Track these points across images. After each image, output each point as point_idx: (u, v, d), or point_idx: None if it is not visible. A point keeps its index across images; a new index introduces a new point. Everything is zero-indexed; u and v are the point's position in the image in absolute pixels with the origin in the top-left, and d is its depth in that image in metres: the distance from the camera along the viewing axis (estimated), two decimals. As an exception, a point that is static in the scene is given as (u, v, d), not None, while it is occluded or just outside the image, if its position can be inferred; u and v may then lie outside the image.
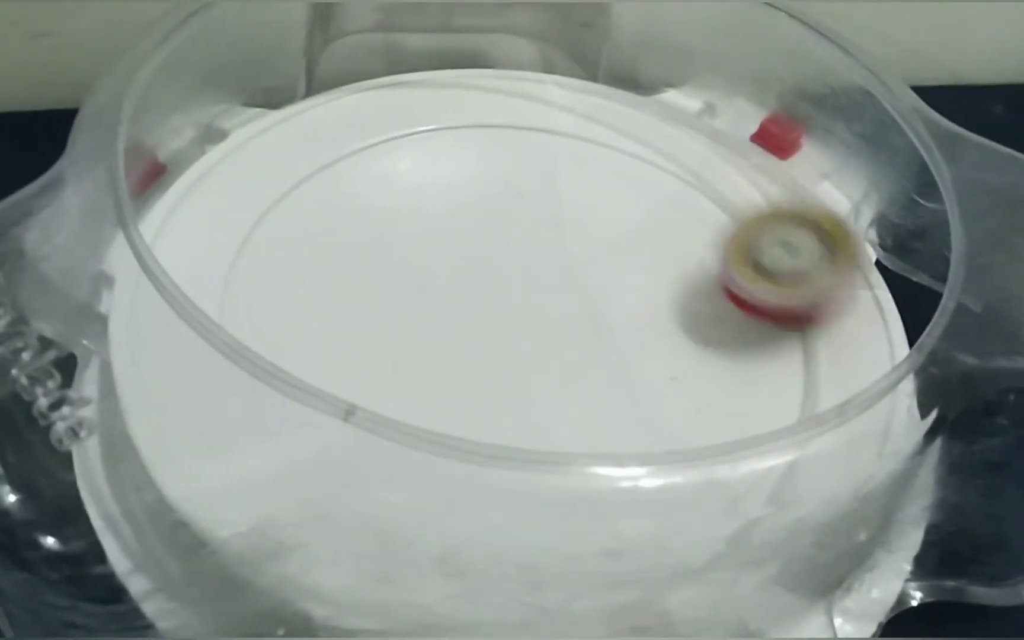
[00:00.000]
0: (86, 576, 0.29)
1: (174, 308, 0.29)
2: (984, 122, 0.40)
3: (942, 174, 0.37)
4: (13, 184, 0.34)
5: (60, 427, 0.30)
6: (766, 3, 0.44)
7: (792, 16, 0.43)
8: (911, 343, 0.36)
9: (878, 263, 0.41)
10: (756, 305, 0.37)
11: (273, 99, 0.44)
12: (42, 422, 0.30)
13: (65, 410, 0.30)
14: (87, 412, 0.31)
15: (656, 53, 0.47)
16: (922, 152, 0.38)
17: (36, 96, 0.49)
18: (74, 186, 0.34)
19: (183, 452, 0.30)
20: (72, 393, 0.31)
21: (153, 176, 0.40)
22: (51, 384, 0.30)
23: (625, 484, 0.28)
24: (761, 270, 0.37)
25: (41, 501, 0.30)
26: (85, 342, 0.33)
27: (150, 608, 0.29)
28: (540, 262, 0.40)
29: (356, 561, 0.28)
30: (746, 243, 0.37)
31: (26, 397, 0.30)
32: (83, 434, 0.30)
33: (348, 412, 0.27)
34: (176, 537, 0.29)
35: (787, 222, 0.38)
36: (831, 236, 0.37)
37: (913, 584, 0.32)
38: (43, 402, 0.30)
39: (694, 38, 0.46)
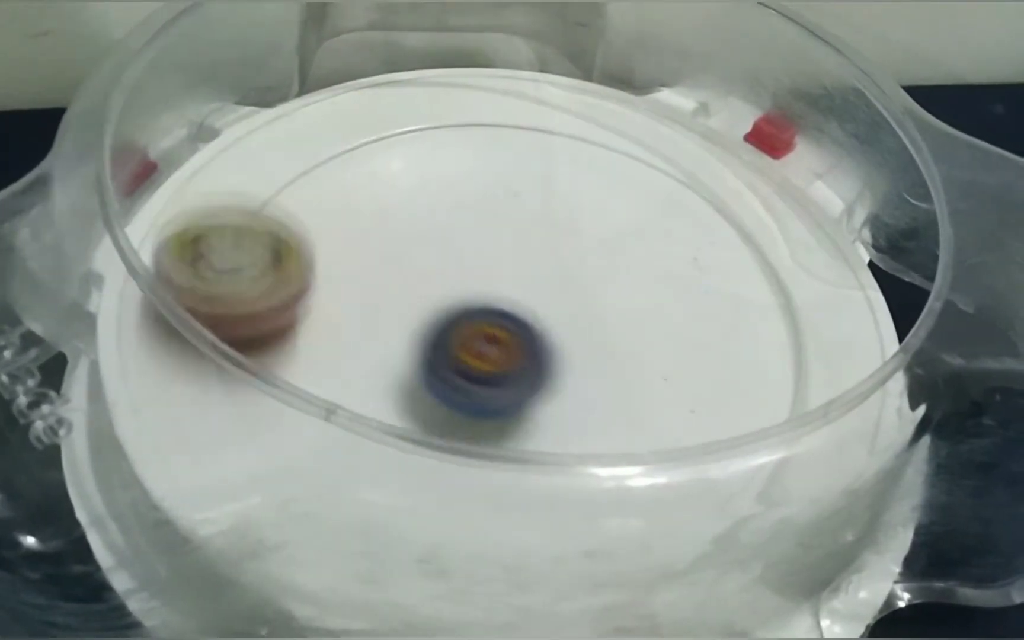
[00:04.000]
0: (66, 575, 0.29)
1: (159, 308, 0.29)
2: (983, 122, 0.40)
3: (932, 174, 0.37)
4: (11, 183, 0.34)
5: (39, 426, 0.30)
6: (760, 3, 0.44)
7: (786, 16, 0.43)
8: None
9: (871, 263, 0.41)
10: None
11: (266, 98, 0.44)
12: (22, 421, 0.30)
13: (44, 409, 0.30)
14: (66, 411, 0.31)
15: (651, 52, 0.47)
16: (912, 152, 0.38)
17: (35, 95, 0.49)
18: (62, 185, 0.34)
19: (168, 450, 0.30)
20: (52, 392, 0.31)
21: (144, 175, 0.40)
22: (31, 382, 0.30)
23: (613, 484, 0.28)
24: (206, 270, 0.32)
25: (20, 500, 0.30)
26: (74, 341, 0.33)
27: (135, 605, 0.29)
28: (533, 261, 0.40)
29: (339, 561, 0.28)
30: (190, 238, 0.33)
31: (6, 395, 0.30)
32: (62, 433, 0.30)
33: (329, 412, 0.27)
34: (160, 535, 0.29)
35: (238, 223, 0.34)
36: (283, 247, 0.34)
37: (901, 585, 0.32)
38: (23, 400, 0.30)
39: (689, 38, 0.46)
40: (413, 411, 0.33)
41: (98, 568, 0.30)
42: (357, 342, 0.36)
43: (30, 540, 0.29)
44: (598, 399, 0.36)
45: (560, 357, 0.33)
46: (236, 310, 0.32)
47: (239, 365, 0.28)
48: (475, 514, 0.28)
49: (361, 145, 0.43)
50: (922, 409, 0.32)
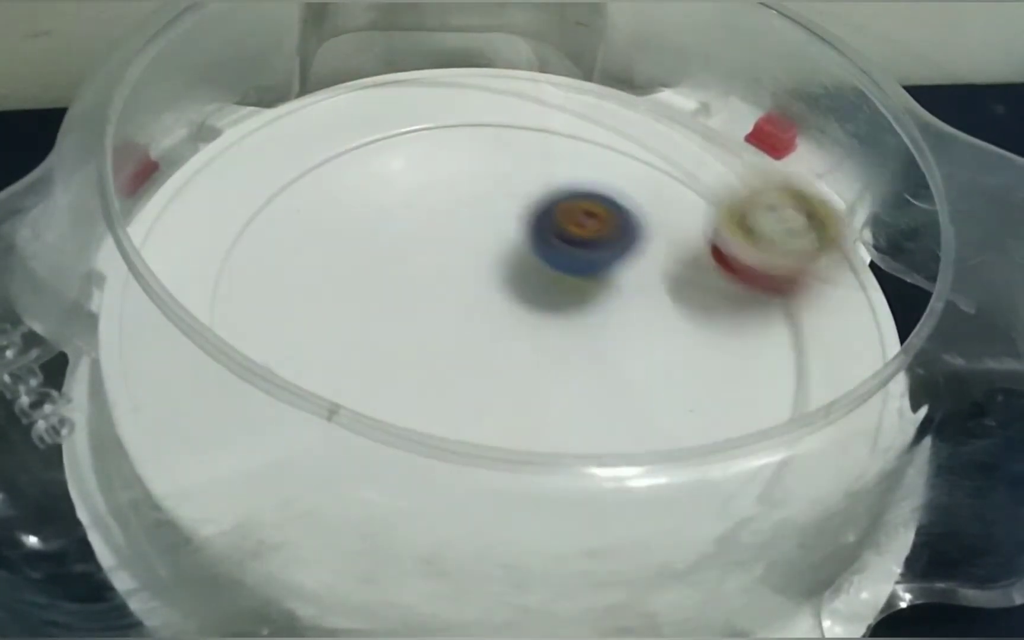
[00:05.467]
0: (67, 574, 0.29)
1: (161, 308, 0.29)
2: (984, 122, 0.40)
3: (933, 175, 0.37)
4: (11, 183, 0.34)
5: (41, 425, 0.30)
6: (761, 3, 0.44)
7: (787, 16, 0.43)
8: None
9: (872, 264, 0.41)
10: (738, 266, 0.38)
11: (267, 98, 0.44)
12: (24, 420, 0.30)
13: (47, 408, 0.30)
14: (68, 410, 0.31)
15: (651, 53, 0.47)
16: (914, 153, 0.38)
17: (35, 95, 0.49)
18: (63, 185, 0.34)
19: (169, 450, 0.30)
20: (54, 391, 0.31)
21: (145, 174, 0.40)
22: (33, 382, 0.30)
23: (613, 484, 0.28)
24: (749, 233, 0.37)
25: (22, 499, 0.30)
26: (75, 341, 0.33)
27: (136, 605, 0.29)
28: (533, 261, 0.40)
29: (340, 561, 0.28)
30: (739, 209, 0.38)
31: (8, 395, 0.30)
32: (64, 432, 0.30)
33: (331, 411, 0.27)
34: (161, 534, 0.29)
35: (779, 195, 0.38)
36: (819, 215, 0.38)
37: (902, 586, 0.32)
38: (25, 400, 0.30)
39: (689, 38, 0.46)
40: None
41: (99, 568, 0.30)
42: (357, 341, 0.36)
43: (32, 540, 0.29)
44: (598, 399, 0.36)
45: (645, 230, 0.38)
46: (789, 267, 0.38)
47: (240, 364, 0.28)
48: (476, 514, 0.28)
49: (361, 145, 0.43)
50: (923, 410, 0.32)
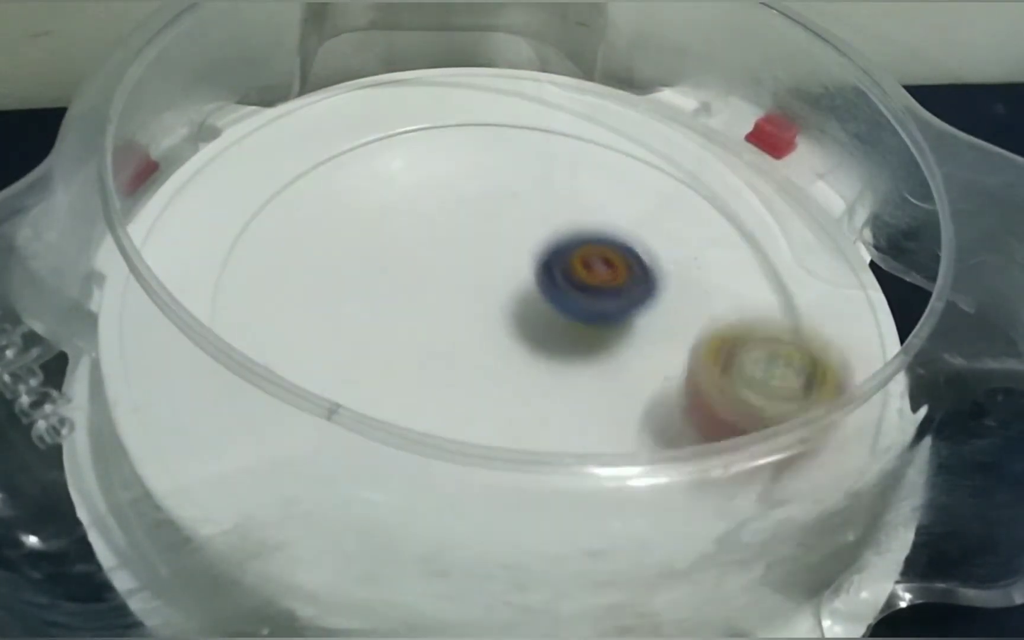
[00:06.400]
0: (68, 574, 0.29)
1: (161, 308, 0.29)
2: (984, 122, 0.40)
3: (934, 174, 0.37)
4: (11, 182, 0.34)
5: (41, 425, 0.30)
6: (761, 3, 0.44)
7: (787, 16, 0.43)
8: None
9: (872, 264, 0.41)
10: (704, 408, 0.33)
11: (267, 97, 0.44)
12: (24, 420, 0.30)
13: (47, 408, 0.30)
14: (69, 410, 0.31)
15: (652, 52, 0.47)
16: (914, 152, 0.38)
17: (35, 95, 0.49)
18: (63, 184, 0.34)
19: (169, 449, 0.30)
20: (54, 391, 0.31)
21: (145, 174, 0.40)
22: (34, 382, 0.30)
23: (613, 484, 0.28)
24: (737, 377, 0.33)
25: (23, 499, 0.30)
26: (75, 340, 0.33)
27: (136, 605, 0.29)
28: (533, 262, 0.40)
29: (340, 560, 0.28)
30: (724, 346, 0.34)
31: (8, 395, 0.30)
32: (65, 432, 0.30)
33: (331, 411, 0.27)
34: (161, 534, 0.29)
35: (770, 336, 0.34)
36: (818, 362, 0.33)
37: (903, 585, 0.32)
38: (25, 400, 0.30)
39: (690, 37, 0.46)
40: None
41: (99, 568, 0.30)
42: (357, 341, 0.36)
43: (32, 539, 0.29)
44: (598, 399, 0.36)
45: (660, 279, 0.37)
46: (752, 421, 0.31)
47: (240, 364, 0.28)
48: (476, 514, 0.28)
49: (361, 145, 0.43)
50: (923, 410, 0.32)
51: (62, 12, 0.50)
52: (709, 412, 0.33)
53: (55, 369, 0.32)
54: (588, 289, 0.36)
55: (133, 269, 0.30)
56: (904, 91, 0.40)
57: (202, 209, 0.39)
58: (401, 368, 0.35)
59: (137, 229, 0.37)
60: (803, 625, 0.31)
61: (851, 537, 0.32)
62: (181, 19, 0.39)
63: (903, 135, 0.39)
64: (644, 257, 0.37)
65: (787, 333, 0.36)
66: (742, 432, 0.30)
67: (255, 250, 0.38)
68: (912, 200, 0.39)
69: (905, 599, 0.32)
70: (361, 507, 0.28)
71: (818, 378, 0.33)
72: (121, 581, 0.30)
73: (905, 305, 0.37)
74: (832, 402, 0.32)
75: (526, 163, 0.44)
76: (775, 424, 0.30)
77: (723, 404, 0.32)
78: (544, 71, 0.48)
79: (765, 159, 0.45)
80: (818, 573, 0.32)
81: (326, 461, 0.28)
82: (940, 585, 0.32)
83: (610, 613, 0.29)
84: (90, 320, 0.33)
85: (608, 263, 0.37)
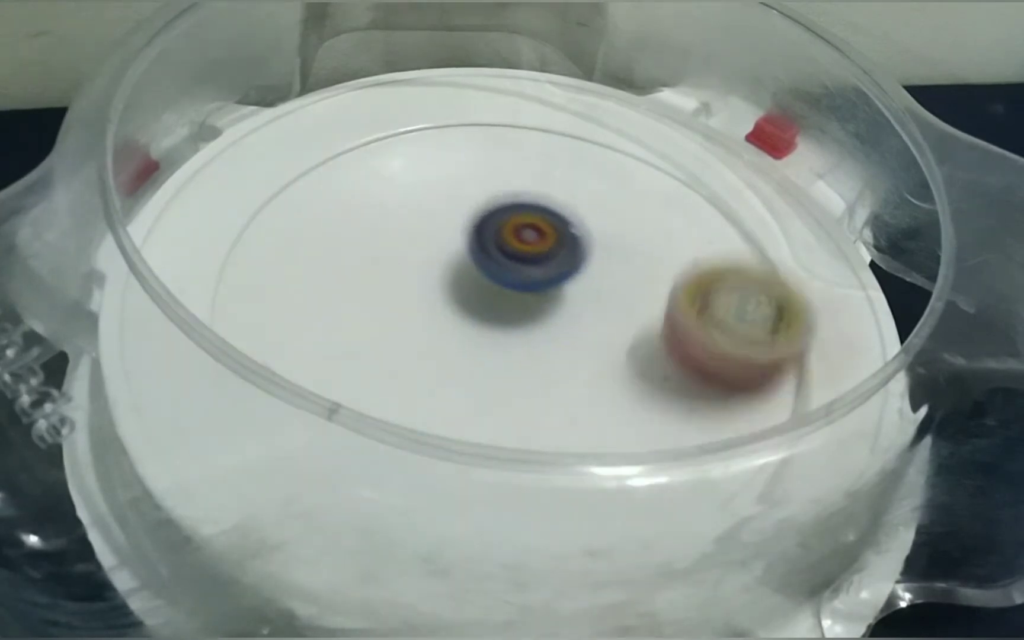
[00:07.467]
0: (68, 574, 0.29)
1: (161, 307, 0.29)
2: (984, 122, 0.40)
3: (934, 174, 0.37)
4: (12, 182, 0.34)
5: (42, 425, 0.30)
6: (762, 3, 0.44)
7: (787, 16, 0.43)
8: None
9: (872, 264, 0.41)
10: (685, 347, 0.35)
11: (267, 97, 0.44)
12: (24, 420, 0.30)
13: (47, 408, 0.30)
14: (69, 409, 0.31)
15: (652, 52, 0.47)
16: (914, 152, 0.38)
17: (35, 95, 0.50)
18: (64, 184, 0.34)
19: (169, 449, 0.30)
20: (54, 390, 0.31)
21: (146, 174, 0.40)
22: (34, 381, 0.30)
23: (613, 484, 0.28)
24: (709, 318, 0.35)
25: (23, 498, 0.30)
26: (75, 340, 0.33)
27: (136, 605, 0.29)
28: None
29: (340, 560, 0.28)
30: (700, 289, 0.35)
31: (8, 394, 0.30)
32: (65, 431, 0.30)
33: (331, 411, 0.27)
34: (161, 534, 0.29)
35: (745, 280, 0.36)
36: (787, 307, 0.35)
37: (902, 585, 0.32)
38: (25, 399, 0.30)
39: (690, 38, 0.46)
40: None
41: (100, 567, 0.30)
42: (358, 340, 0.36)
43: (32, 539, 0.29)
44: (598, 398, 0.36)
45: (589, 244, 0.37)
46: (732, 359, 0.34)
47: (240, 364, 0.28)
48: (476, 513, 0.28)
49: (361, 145, 0.43)
50: (924, 409, 0.32)
51: (62, 12, 0.50)
52: (684, 350, 0.35)
53: (55, 369, 0.32)
54: (517, 256, 0.37)
55: (133, 269, 0.30)
56: (904, 91, 0.40)
57: (202, 209, 0.39)
58: (401, 368, 0.35)
59: (137, 229, 0.37)
60: (803, 625, 0.31)
61: (851, 537, 0.32)
62: (181, 19, 0.39)
63: (903, 135, 0.39)
64: (574, 225, 0.38)
65: (761, 277, 0.37)
66: (713, 371, 0.35)
67: (255, 250, 0.38)
68: (912, 200, 0.39)
69: (905, 599, 0.32)
70: (361, 506, 0.28)
71: (784, 321, 0.35)
72: (121, 580, 0.30)
73: (905, 305, 0.37)
74: (801, 334, 0.35)
75: (526, 163, 0.44)
76: (740, 365, 0.35)
77: (694, 344, 0.35)
78: (544, 71, 0.48)
79: (765, 159, 0.45)
80: (818, 573, 0.32)
81: (326, 461, 0.28)
82: (940, 585, 0.32)
83: (610, 613, 0.29)
84: (90, 320, 0.33)
85: (538, 231, 0.37)
